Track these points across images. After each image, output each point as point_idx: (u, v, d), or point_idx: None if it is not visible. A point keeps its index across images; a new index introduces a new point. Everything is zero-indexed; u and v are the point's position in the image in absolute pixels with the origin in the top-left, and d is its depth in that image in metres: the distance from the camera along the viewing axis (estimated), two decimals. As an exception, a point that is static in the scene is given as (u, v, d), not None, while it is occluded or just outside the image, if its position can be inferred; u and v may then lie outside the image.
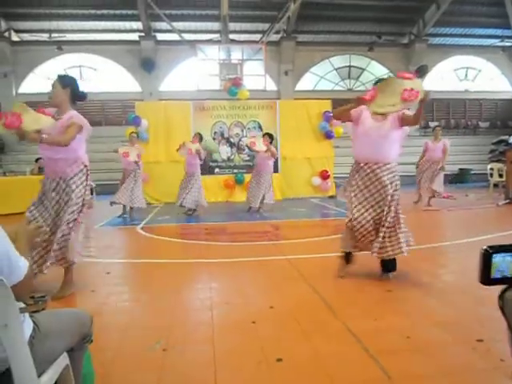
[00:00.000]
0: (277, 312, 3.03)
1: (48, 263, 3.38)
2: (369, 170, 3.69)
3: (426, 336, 2.57)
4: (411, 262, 4.15)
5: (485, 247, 0.78)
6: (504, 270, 0.77)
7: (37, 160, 11.61)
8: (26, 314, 1.40)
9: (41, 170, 11.17)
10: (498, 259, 0.76)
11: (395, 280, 3.75)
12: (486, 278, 0.78)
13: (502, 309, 0.81)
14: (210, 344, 2.50)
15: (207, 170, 11.01)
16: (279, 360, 2.27)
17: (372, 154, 3.67)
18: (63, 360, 1.51)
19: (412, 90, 3.32)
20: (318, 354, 2.35)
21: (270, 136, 8.83)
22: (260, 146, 8.60)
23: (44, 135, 3.27)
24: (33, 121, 3.29)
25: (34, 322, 1.43)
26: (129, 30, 17.80)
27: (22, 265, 1.33)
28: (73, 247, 3.50)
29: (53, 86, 3.51)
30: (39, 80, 17.63)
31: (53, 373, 1.44)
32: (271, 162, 8.78)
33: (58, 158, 3.44)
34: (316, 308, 3.10)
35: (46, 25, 16.91)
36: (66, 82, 3.53)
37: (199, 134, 8.95)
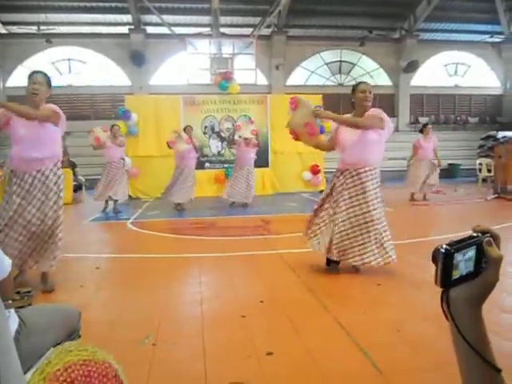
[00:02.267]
0: (267, 306, 3.02)
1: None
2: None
3: (416, 329, 2.59)
4: (401, 256, 4.17)
5: (444, 246, 0.68)
6: (461, 268, 0.69)
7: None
8: (12, 310, 1.38)
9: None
10: (459, 258, 0.69)
11: (385, 274, 3.76)
12: (447, 281, 0.69)
13: (448, 312, 0.73)
14: (199, 338, 2.49)
15: (197, 164, 10.95)
16: (269, 354, 2.27)
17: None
18: (50, 356, 1.49)
19: (309, 124, 3.79)
20: (308, 347, 2.34)
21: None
22: (245, 132, 8.59)
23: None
24: None
25: (19, 318, 1.41)
26: (118, 22, 17.58)
27: (6, 263, 1.31)
28: None
29: (39, 82, 3.49)
30: (28, 73, 17.39)
31: (39, 369, 1.42)
32: (253, 155, 8.81)
33: None
34: (306, 302, 3.10)
35: (34, 17, 16.64)
36: (50, 82, 3.61)
37: (190, 127, 8.84)
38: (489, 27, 18.85)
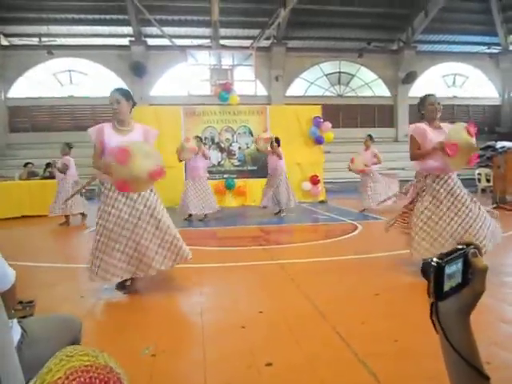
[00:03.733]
0: (267, 317, 3.03)
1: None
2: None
3: (413, 339, 2.60)
4: (399, 266, 4.19)
5: (435, 259, 0.71)
6: (452, 279, 0.71)
7: (25, 165, 11.50)
8: (14, 320, 1.39)
9: (30, 175, 11.08)
10: (449, 270, 0.70)
11: (383, 284, 3.77)
12: (440, 293, 0.71)
13: (438, 324, 0.75)
14: (199, 349, 2.50)
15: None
16: (269, 364, 2.27)
17: None
18: (52, 366, 1.50)
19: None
20: (307, 358, 2.35)
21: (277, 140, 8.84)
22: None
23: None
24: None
25: (22, 328, 1.42)
26: (119, 34, 17.78)
27: (10, 273, 1.33)
28: None
29: (117, 101, 3.60)
30: (29, 84, 17.53)
31: (41, 379, 1.43)
32: (281, 163, 8.75)
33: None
34: (306, 312, 3.11)
35: (36, 29, 16.84)
36: (128, 95, 3.73)
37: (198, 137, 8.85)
38: (486, 38, 19.05)
